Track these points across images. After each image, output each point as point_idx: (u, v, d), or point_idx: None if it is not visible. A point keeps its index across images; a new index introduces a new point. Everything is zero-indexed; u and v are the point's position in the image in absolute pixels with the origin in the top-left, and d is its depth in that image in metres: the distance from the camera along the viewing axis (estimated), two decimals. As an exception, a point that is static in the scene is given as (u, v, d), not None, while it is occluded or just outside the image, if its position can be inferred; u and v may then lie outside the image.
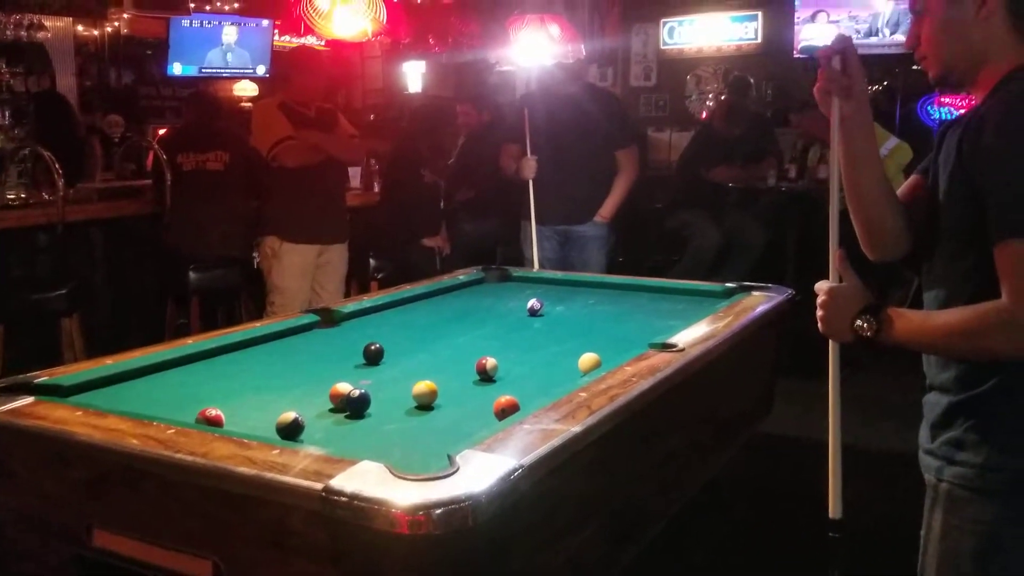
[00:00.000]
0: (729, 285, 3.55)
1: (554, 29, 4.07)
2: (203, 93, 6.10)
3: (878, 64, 7.17)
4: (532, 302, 3.36)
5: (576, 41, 4.23)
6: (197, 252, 4.76)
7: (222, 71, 7.92)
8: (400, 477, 1.59)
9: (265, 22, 7.82)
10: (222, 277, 4.82)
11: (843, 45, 1.73)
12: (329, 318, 3.12)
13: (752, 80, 7.24)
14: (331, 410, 2.24)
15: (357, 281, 5.21)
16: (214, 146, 4.91)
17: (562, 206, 4.82)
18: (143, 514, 1.82)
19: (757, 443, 3.51)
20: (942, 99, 7.11)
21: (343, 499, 1.53)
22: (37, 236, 4.69)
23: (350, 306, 3.31)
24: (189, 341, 2.84)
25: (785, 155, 7.10)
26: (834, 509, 1.84)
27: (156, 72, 8.66)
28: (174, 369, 2.56)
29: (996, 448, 1.59)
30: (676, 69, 8.50)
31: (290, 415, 2.00)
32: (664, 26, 8.49)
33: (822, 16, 7.61)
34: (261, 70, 8.02)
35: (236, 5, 7.55)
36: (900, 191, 1.82)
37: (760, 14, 8.04)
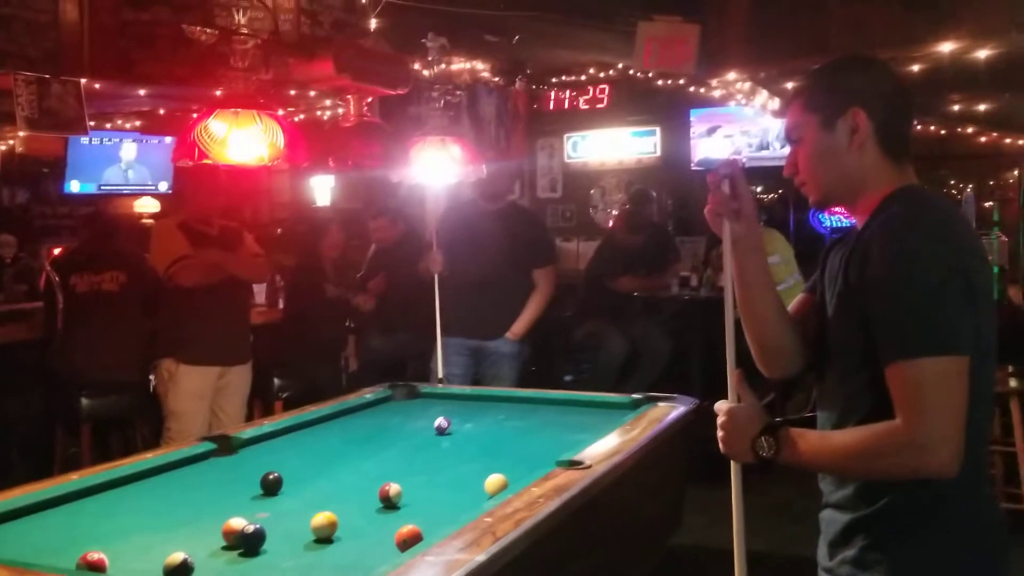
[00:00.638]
0: (636, 396, 3.58)
1: (455, 150, 4.14)
2: (101, 212, 5.94)
3: (771, 176, 7.49)
4: (439, 420, 3.31)
5: (477, 161, 4.30)
6: (89, 376, 4.55)
7: (122, 188, 7.81)
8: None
9: (168, 139, 7.76)
10: (116, 403, 4.61)
11: (730, 170, 1.77)
12: (227, 446, 3.00)
13: (653, 192, 7.47)
14: (224, 548, 2.13)
15: (261, 401, 5.05)
16: (110, 266, 4.77)
17: (475, 320, 4.80)
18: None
19: (667, 554, 3.46)
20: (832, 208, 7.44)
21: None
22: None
23: (249, 432, 3.20)
24: (74, 476, 2.68)
25: (686, 263, 7.31)
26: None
27: (53, 190, 8.45)
28: (58, 507, 2.43)
29: (897, 569, 1.59)
30: (581, 181, 8.76)
31: (178, 556, 1.89)
32: (568, 140, 8.78)
33: (718, 131, 7.99)
34: (163, 187, 7.92)
35: (138, 123, 7.48)
36: (791, 308, 1.85)
37: (658, 129, 8.38)
